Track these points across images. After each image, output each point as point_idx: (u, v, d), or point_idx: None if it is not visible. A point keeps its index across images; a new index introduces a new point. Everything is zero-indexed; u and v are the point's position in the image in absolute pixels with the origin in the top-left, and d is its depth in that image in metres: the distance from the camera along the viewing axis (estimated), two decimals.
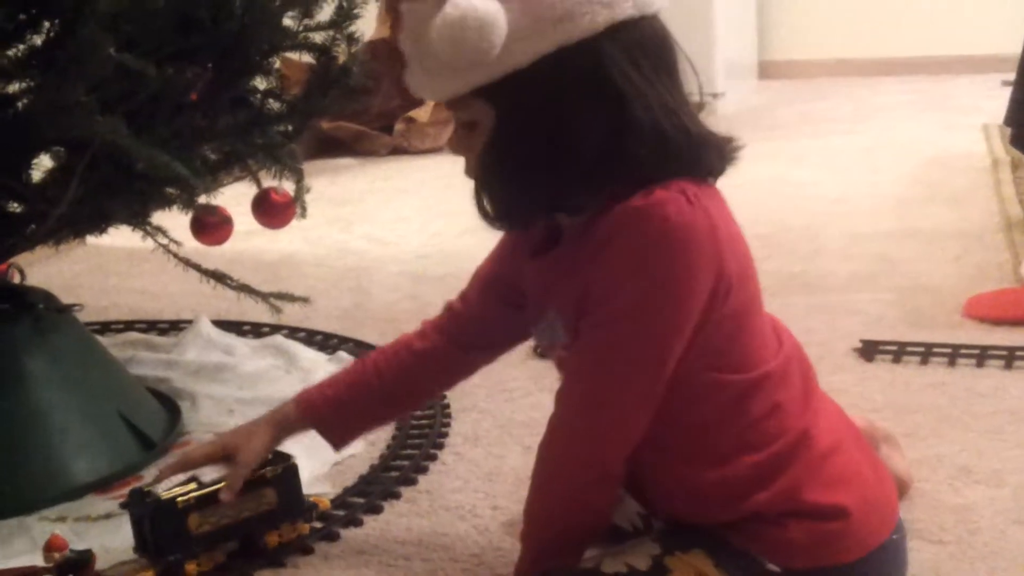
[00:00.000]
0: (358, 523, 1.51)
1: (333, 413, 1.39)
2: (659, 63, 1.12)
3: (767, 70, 5.53)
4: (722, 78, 4.70)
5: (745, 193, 3.21)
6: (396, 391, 1.41)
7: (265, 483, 1.40)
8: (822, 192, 3.27)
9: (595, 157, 1.10)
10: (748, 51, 5.36)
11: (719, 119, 4.55)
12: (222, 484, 1.36)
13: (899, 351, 2.01)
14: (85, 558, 1.35)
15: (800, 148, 3.88)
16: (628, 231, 1.09)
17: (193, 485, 1.36)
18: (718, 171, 1.16)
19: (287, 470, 1.42)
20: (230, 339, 2.17)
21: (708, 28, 4.64)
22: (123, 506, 1.41)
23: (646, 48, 1.11)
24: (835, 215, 3.01)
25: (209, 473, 1.37)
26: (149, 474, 1.66)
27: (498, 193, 1.17)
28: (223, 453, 1.39)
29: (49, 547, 1.34)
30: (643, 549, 1.18)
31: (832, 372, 1.91)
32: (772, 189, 3.31)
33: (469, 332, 1.39)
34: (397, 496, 1.57)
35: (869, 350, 2.02)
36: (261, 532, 1.42)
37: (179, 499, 1.34)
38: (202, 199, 1.92)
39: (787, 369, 1.19)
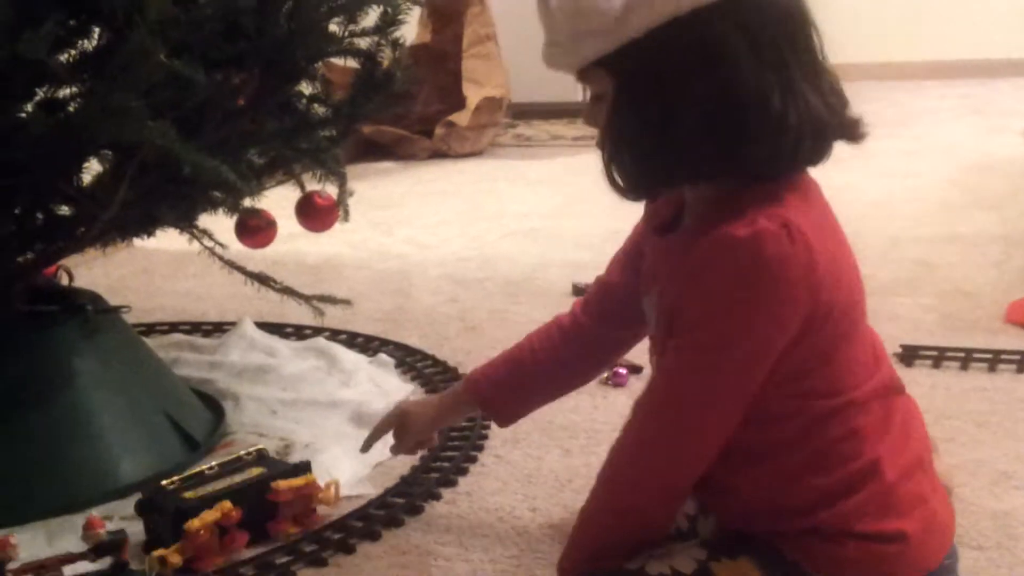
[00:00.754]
0: (399, 523, 1.53)
1: (495, 393, 1.46)
2: (781, 39, 1.09)
3: None
4: None
5: None
6: (552, 371, 1.44)
7: (248, 464, 1.55)
8: (862, 196, 3.26)
9: (704, 130, 1.08)
10: None
11: None
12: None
13: (939, 356, 2.01)
14: (119, 540, 1.39)
15: (839, 151, 3.83)
16: (723, 262, 1.07)
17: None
18: (815, 160, 1.13)
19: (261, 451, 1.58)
20: (273, 341, 2.20)
21: None
22: (137, 510, 1.51)
23: (766, 23, 1.08)
24: (875, 219, 3.00)
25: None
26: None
27: (621, 163, 1.16)
28: (399, 421, 1.53)
29: (88, 526, 1.37)
30: (689, 553, 1.18)
31: None
32: None
33: (610, 307, 1.40)
34: (437, 497, 1.59)
35: (909, 355, 2.02)
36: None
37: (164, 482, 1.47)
38: (247, 202, 1.95)
39: (874, 395, 1.17)
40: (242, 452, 1.57)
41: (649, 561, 1.18)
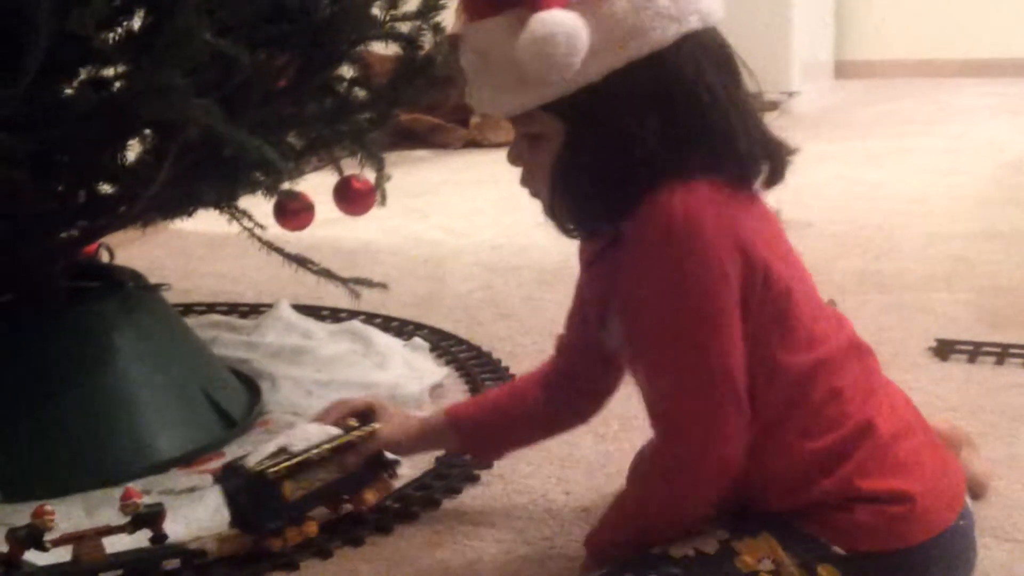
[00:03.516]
0: (436, 504, 1.54)
1: (477, 434, 1.47)
2: (724, 71, 1.16)
3: (843, 70, 5.49)
4: (798, 77, 4.68)
5: (819, 192, 3.24)
6: (535, 421, 1.47)
7: (350, 447, 1.44)
8: (898, 192, 3.25)
9: (666, 165, 1.13)
10: (825, 50, 5.33)
11: (794, 118, 4.53)
12: (312, 452, 1.40)
13: (974, 351, 2.00)
14: (156, 511, 1.39)
15: (876, 148, 3.86)
16: (641, 234, 1.13)
17: (283, 456, 1.40)
18: (774, 181, 1.19)
19: (369, 435, 1.46)
20: (309, 323, 2.21)
21: (785, 26, 4.63)
22: (217, 481, 1.45)
23: (711, 57, 1.15)
24: (911, 215, 2.99)
25: (299, 443, 1.41)
26: (230, 451, 1.70)
27: (571, 203, 1.19)
28: (369, 409, 1.49)
29: (125, 497, 1.38)
30: (711, 534, 1.20)
31: (906, 371, 1.91)
32: (847, 189, 3.30)
33: (579, 362, 1.43)
34: (474, 479, 1.60)
35: (944, 349, 2.01)
36: (352, 492, 1.46)
37: (270, 470, 1.38)
38: (285, 185, 1.96)
39: (847, 355, 1.21)
40: (352, 435, 1.46)
41: (672, 545, 1.19)
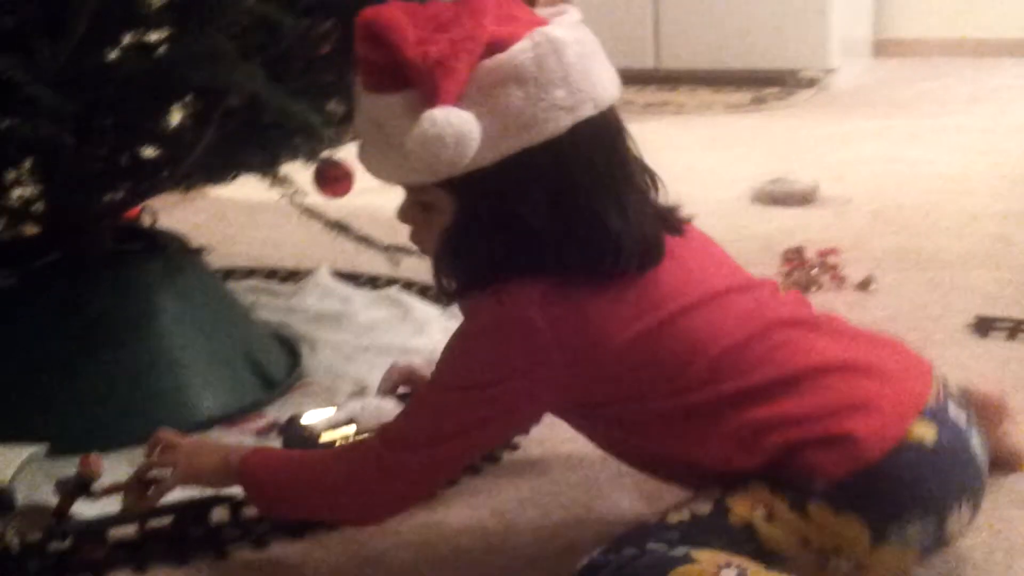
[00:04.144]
0: (476, 470, 1.55)
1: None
2: (613, 155, 1.21)
3: (882, 48, 5.44)
4: (836, 54, 4.64)
5: (858, 169, 3.22)
6: None
7: None
8: (937, 171, 3.23)
9: (542, 245, 1.18)
10: (863, 28, 5.28)
11: (832, 95, 4.50)
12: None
13: (1014, 328, 1.99)
14: None
15: (915, 127, 3.82)
16: (475, 312, 1.24)
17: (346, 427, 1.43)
18: (648, 265, 1.22)
19: None
20: (348, 289, 2.23)
21: (823, 4, 4.59)
22: (281, 431, 1.50)
23: (603, 141, 1.20)
24: (951, 194, 2.97)
25: (369, 418, 1.43)
26: (270, 412, 1.73)
27: (455, 268, 1.25)
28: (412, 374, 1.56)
29: (154, 443, 1.41)
30: (705, 495, 1.23)
31: (946, 347, 1.91)
32: (886, 166, 3.28)
33: None
34: (514, 447, 1.61)
35: (983, 326, 2.01)
36: None
37: (334, 439, 1.42)
38: (325, 152, 1.97)
39: (765, 333, 1.24)
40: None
41: (669, 512, 1.23)
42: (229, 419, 1.71)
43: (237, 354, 1.79)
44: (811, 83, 4.59)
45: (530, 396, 1.23)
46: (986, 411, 1.43)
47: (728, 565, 1.14)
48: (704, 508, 1.21)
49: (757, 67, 4.63)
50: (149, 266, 1.77)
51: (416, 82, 1.14)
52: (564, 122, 1.15)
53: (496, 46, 1.15)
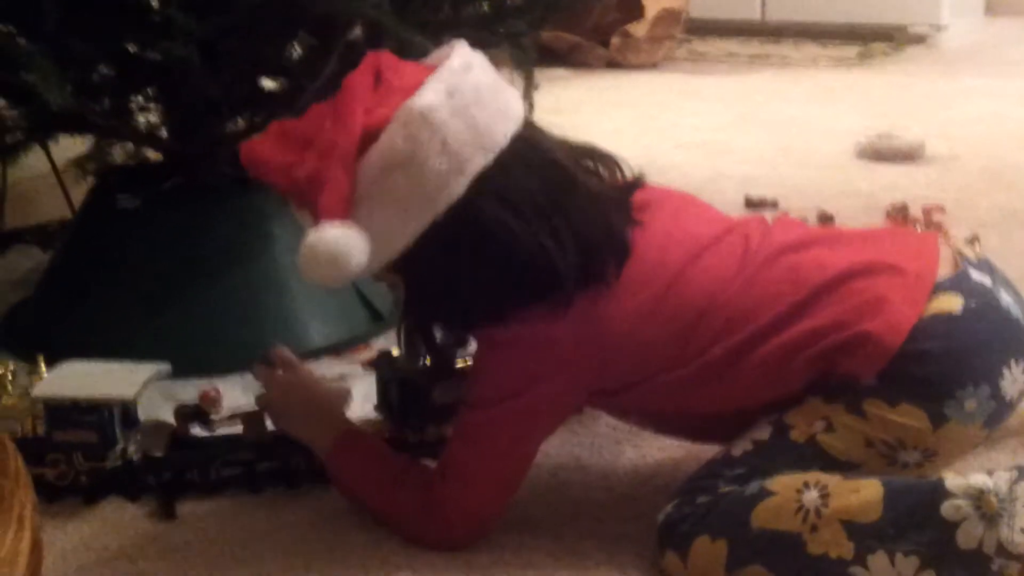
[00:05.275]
0: None
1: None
2: (531, 184, 1.19)
3: (994, 6, 5.33)
4: (947, 11, 4.55)
5: (966, 126, 3.18)
6: None
7: None
8: (1008, 127, 3.16)
9: (490, 295, 1.20)
10: None
11: (942, 52, 4.42)
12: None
13: None
14: None
15: (982, 86, 3.75)
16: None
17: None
18: (599, 279, 1.22)
19: None
20: None
21: None
22: (372, 364, 1.52)
23: (515, 178, 1.19)
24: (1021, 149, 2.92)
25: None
26: (377, 343, 1.77)
27: (436, 332, 1.31)
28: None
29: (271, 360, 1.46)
30: (764, 420, 1.24)
31: None
32: (994, 125, 3.22)
33: None
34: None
35: None
36: None
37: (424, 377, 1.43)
38: None
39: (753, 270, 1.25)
40: None
41: (733, 444, 1.25)
42: (338, 348, 1.76)
43: (346, 286, 1.83)
44: (920, 39, 4.51)
45: (564, 394, 1.27)
46: None
47: (806, 486, 1.16)
48: (764, 434, 1.23)
49: (864, 21, 4.56)
50: (264, 194, 1.80)
51: (299, 205, 1.19)
52: (458, 187, 1.16)
53: (371, 136, 1.16)
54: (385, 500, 1.32)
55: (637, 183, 1.30)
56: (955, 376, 1.19)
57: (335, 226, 1.14)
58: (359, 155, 1.15)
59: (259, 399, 1.43)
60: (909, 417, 1.18)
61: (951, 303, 1.21)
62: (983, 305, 1.22)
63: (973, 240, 2.19)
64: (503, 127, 1.19)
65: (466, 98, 1.17)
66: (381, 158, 1.15)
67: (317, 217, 1.15)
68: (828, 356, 1.20)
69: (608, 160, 1.30)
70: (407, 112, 1.15)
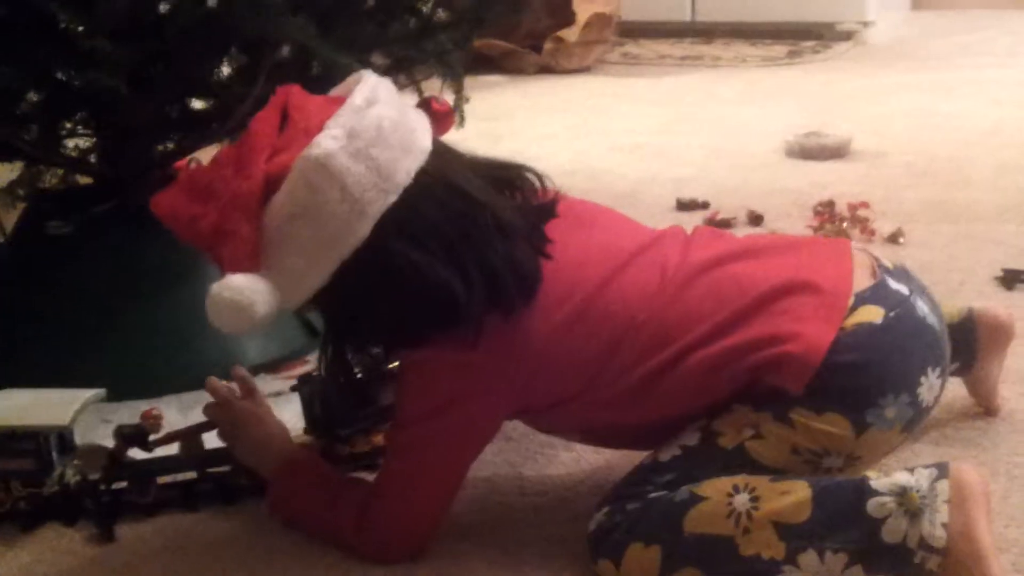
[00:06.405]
0: None
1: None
2: (437, 218, 1.20)
3: (920, 1, 5.42)
4: (873, 7, 4.63)
5: (893, 122, 3.24)
6: None
7: None
8: (972, 124, 3.23)
9: (400, 326, 1.24)
10: None
11: (869, 48, 4.50)
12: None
13: None
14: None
15: (951, 80, 3.82)
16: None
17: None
18: (514, 307, 1.23)
19: None
20: None
21: None
22: (293, 389, 1.53)
23: (420, 213, 1.20)
24: (985, 147, 2.98)
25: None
26: (313, 359, 1.77)
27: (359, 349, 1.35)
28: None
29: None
30: (693, 425, 1.26)
31: (972, 299, 1.92)
32: (920, 119, 3.29)
33: None
34: None
35: (1010, 279, 2.04)
36: None
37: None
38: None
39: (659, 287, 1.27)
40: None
41: (660, 450, 1.27)
42: (274, 365, 1.78)
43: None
44: (847, 36, 4.59)
45: (486, 414, 1.29)
46: (995, 333, 1.50)
47: (736, 489, 1.19)
48: (693, 440, 1.25)
49: (793, 20, 4.63)
50: None
51: (209, 257, 1.20)
52: (361, 229, 1.17)
53: (274, 183, 1.16)
54: (324, 521, 1.34)
55: (554, 203, 1.31)
56: (877, 385, 1.22)
57: (239, 277, 1.16)
58: (263, 202, 1.16)
59: (208, 417, 1.46)
60: (833, 425, 1.21)
61: (872, 314, 1.24)
62: (902, 314, 1.26)
63: (897, 234, 2.24)
64: (406, 164, 1.20)
65: (367, 139, 1.17)
66: (283, 207, 1.16)
67: (223, 269, 1.17)
68: (753, 371, 1.23)
69: (525, 178, 1.31)
70: (305, 161, 1.15)
